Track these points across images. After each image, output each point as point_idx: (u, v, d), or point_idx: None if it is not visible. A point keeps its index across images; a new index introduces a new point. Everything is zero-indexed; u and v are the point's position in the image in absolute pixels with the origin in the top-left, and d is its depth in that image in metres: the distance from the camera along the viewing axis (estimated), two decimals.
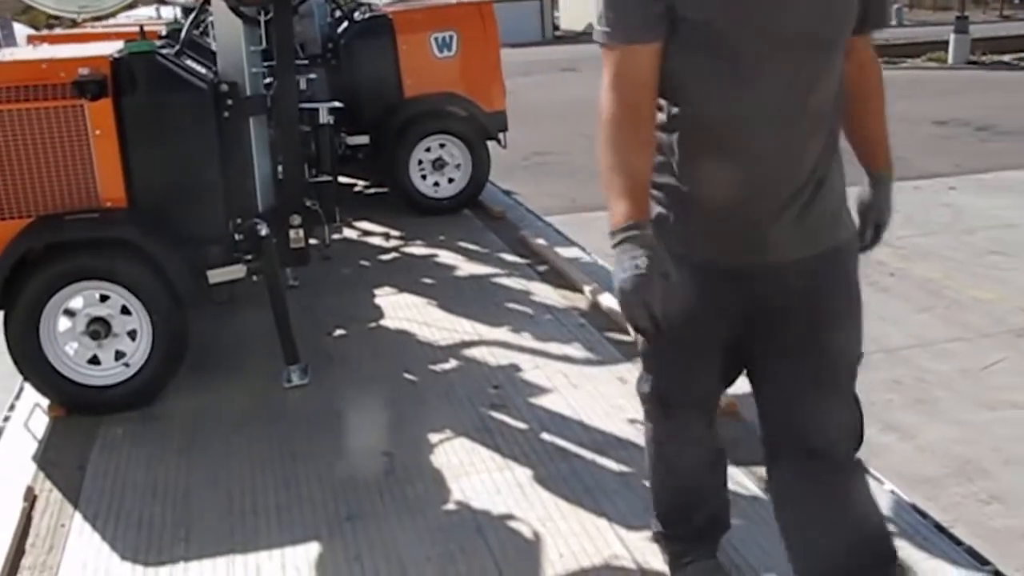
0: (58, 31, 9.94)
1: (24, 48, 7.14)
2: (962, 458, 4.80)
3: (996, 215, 9.56)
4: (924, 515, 3.61)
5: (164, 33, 6.54)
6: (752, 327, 2.60)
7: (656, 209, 2.49)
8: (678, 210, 2.51)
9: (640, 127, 2.34)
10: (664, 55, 2.33)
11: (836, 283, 2.54)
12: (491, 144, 8.98)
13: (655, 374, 2.85)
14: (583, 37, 48.27)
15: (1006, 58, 25.46)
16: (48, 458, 4.57)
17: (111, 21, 9.17)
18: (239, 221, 5.14)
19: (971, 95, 17.54)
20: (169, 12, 11.06)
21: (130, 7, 7.14)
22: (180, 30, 6.01)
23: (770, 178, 2.40)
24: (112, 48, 5.02)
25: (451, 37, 8.74)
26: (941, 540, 3.46)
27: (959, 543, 3.46)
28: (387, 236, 8.41)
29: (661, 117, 2.46)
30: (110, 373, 4.95)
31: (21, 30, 23.72)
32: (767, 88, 2.30)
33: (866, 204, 2.74)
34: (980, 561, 3.36)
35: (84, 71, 4.65)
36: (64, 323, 4.88)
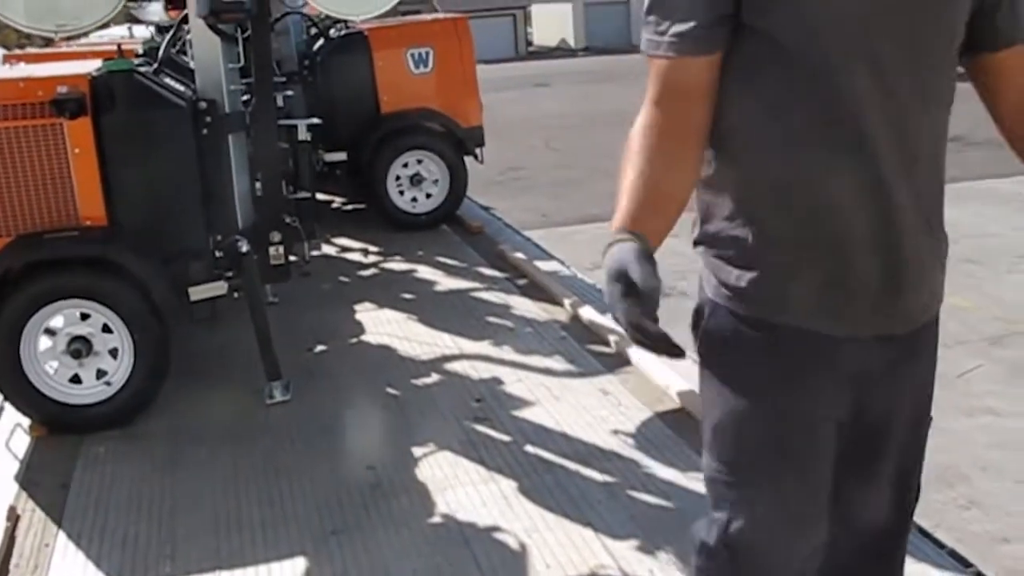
0: (31, 50, 9.91)
1: (1, 67, 7.12)
2: (942, 464, 4.85)
3: (970, 224, 9.66)
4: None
5: (141, 51, 6.53)
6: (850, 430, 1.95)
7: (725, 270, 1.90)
8: (752, 257, 1.87)
9: (687, 141, 1.82)
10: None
11: (929, 370, 2.01)
12: (468, 159, 9.00)
13: (735, 507, 1.93)
14: (556, 53, 48.57)
15: None
16: (30, 478, 4.54)
17: (84, 40, 9.17)
18: (219, 238, 5.15)
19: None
20: (142, 31, 11.09)
21: (103, 26, 7.14)
22: (157, 48, 6.03)
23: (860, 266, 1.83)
24: (90, 66, 5.03)
25: (427, 53, 8.77)
26: (925, 544, 3.50)
27: (942, 546, 3.50)
28: (366, 252, 8.42)
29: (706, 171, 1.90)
30: (92, 392, 4.92)
31: None
32: (879, 145, 1.75)
33: None
34: (963, 564, 3.41)
35: (63, 89, 4.65)
36: (45, 342, 4.85)
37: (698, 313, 1.97)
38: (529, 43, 51.53)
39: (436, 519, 3.96)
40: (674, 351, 1.66)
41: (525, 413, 4.88)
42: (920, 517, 3.90)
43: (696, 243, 1.97)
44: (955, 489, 4.66)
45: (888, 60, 1.72)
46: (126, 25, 11.85)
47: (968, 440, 5.12)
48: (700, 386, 2.01)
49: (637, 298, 1.65)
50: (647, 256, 1.70)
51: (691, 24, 1.74)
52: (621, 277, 1.66)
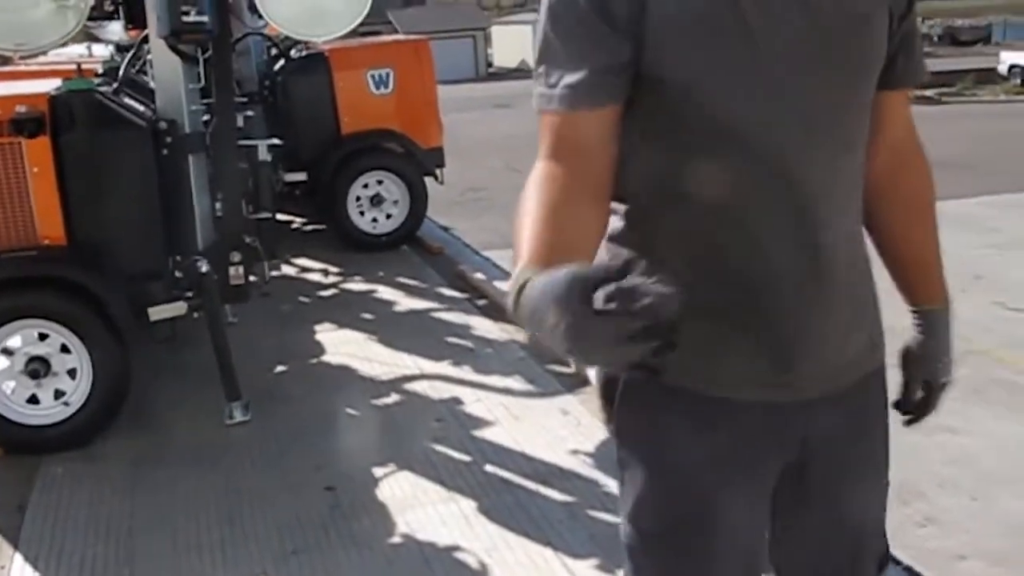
0: None
1: None
2: (898, 482, 4.89)
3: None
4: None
5: (101, 71, 6.51)
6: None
7: None
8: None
9: (584, 195, 1.58)
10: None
11: (866, 425, 1.86)
12: (429, 180, 9.04)
13: None
14: (516, 73, 48.72)
15: (928, 93, 26.18)
16: None
17: (44, 59, 9.12)
18: (179, 258, 5.14)
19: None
20: (100, 50, 11.02)
21: (62, 45, 7.10)
22: (117, 68, 6.01)
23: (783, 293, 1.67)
24: (50, 86, 5.01)
25: (388, 74, 8.81)
26: None
27: (899, 563, 3.56)
28: (326, 272, 8.43)
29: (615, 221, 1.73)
30: (50, 412, 4.89)
31: None
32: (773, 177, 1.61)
33: (914, 353, 1.92)
34: None
35: (21, 109, 4.64)
36: (2, 362, 4.83)
37: (610, 383, 1.79)
38: (489, 64, 51.71)
39: (396, 539, 3.97)
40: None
41: (485, 433, 4.91)
42: None
43: None
44: (911, 506, 4.71)
45: (796, 108, 1.58)
46: (85, 44, 11.76)
47: (924, 457, 5.18)
48: (617, 454, 1.83)
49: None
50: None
51: (582, 74, 1.56)
52: (570, 288, 1.20)
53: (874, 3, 1.63)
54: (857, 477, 1.85)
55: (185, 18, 4.81)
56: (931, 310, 1.91)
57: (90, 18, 5.50)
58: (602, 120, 1.59)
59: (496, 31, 53.59)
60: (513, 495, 4.25)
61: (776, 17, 1.54)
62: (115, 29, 8.36)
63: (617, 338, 1.17)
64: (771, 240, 1.62)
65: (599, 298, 1.16)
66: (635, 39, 1.55)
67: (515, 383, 5.55)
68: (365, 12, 6.00)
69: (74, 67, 5.46)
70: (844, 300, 1.69)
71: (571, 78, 1.57)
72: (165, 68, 5.26)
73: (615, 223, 1.72)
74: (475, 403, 5.29)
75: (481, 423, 5.03)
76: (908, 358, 1.92)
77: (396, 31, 47.18)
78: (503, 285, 7.35)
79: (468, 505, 4.18)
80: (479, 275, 7.75)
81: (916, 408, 1.95)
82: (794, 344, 1.67)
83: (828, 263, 1.64)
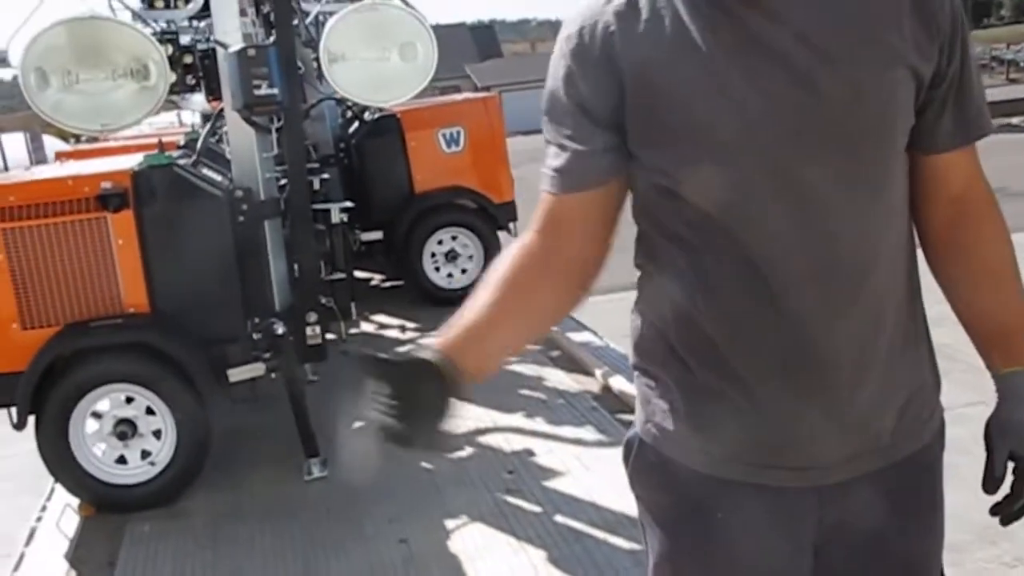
0: (84, 144, 10.29)
1: (52, 165, 7.45)
2: (983, 523, 4.84)
3: None
4: None
5: (182, 143, 6.81)
6: None
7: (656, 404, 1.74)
8: (673, 398, 1.71)
9: (546, 274, 1.68)
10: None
11: (919, 508, 1.76)
12: (502, 233, 9.17)
13: None
14: None
15: (1014, 120, 25.76)
16: (79, 556, 4.74)
17: (133, 131, 9.52)
18: (257, 321, 5.33)
19: (980, 159, 17.57)
20: (189, 117, 11.45)
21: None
22: (196, 140, 6.28)
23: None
24: (132, 161, 5.29)
25: (458, 132, 8.99)
26: None
27: None
28: (403, 328, 8.59)
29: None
30: (137, 472, 5.12)
31: (49, 142, 24.36)
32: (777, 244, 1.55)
33: (997, 423, 1.74)
34: None
35: (107, 185, 4.91)
36: (92, 425, 5.06)
37: (628, 447, 1.82)
38: None
39: None
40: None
41: (556, 483, 4.99)
42: None
43: (632, 368, 1.82)
44: (999, 546, 4.64)
45: (789, 193, 1.53)
46: (175, 112, 12.21)
47: None
48: (639, 516, 1.85)
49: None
50: (441, 380, 1.62)
51: (567, 158, 1.62)
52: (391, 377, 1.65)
53: (881, 69, 1.52)
54: (899, 569, 1.75)
55: (257, 91, 5.01)
56: (1013, 373, 1.72)
57: (173, 92, 5.74)
58: (585, 202, 1.65)
59: None
60: (582, 544, 4.32)
61: (761, 94, 1.50)
62: (198, 100, 8.69)
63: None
64: (760, 324, 1.58)
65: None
66: (617, 128, 1.59)
67: (587, 433, 5.63)
68: (429, 78, 6.20)
69: (156, 141, 5.74)
70: (859, 383, 1.60)
71: (558, 162, 1.64)
72: (240, 139, 5.50)
73: (640, 287, 1.77)
74: (547, 454, 5.38)
75: (552, 473, 5.11)
76: (991, 429, 1.74)
77: (475, 84, 47.87)
78: (576, 336, 7.47)
79: (537, 555, 4.26)
80: (552, 327, 7.84)
81: (1012, 490, 1.73)
82: (788, 430, 1.62)
83: (828, 347, 1.57)
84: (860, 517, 1.68)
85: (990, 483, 1.73)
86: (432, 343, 1.65)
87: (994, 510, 1.76)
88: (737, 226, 1.54)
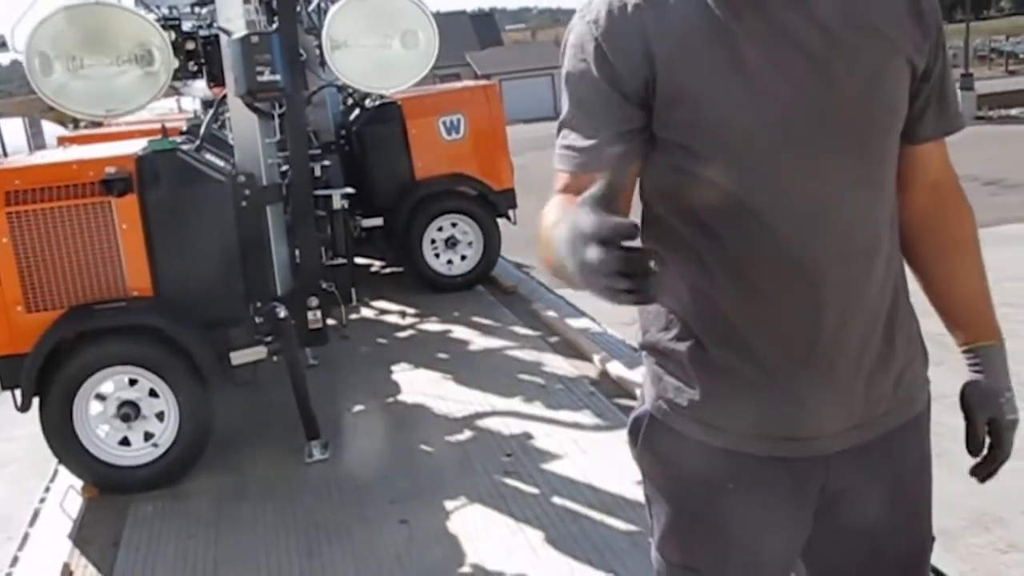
0: (85, 130, 10.31)
1: (55, 150, 7.49)
2: (979, 509, 4.89)
3: (1006, 268, 9.62)
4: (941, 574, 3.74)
5: (185, 128, 6.85)
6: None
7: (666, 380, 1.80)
8: (689, 374, 1.76)
9: None
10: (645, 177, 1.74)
11: (898, 477, 1.84)
12: (502, 221, 9.27)
13: None
14: None
15: (1013, 111, 25.80)
16: (83, 536, 4.80)
17: (134, 116, 9.56)
18: (259, 305, 5.40)
19: (979, 150, 17.46)
20: (188, 103, 11.48)
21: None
22: (199, 125, 6.33)
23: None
24: (136, 146, 5.33)
25: (458, 120, 9.06)
26: None
27: None
28: (403, 314, 8.67)
29: None
30: (140, 453, 5.18)
31: (48, 127, 24.31)
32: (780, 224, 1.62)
33: (973, 394, 1.86)
34: None
35: (111, 170, 4.96)
36: (96, 407, 5.12)
37: (636, 423, 1.86)
38: None
39: (466, 569, 4.14)
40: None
41: (553, 466, 5.06)
42: (957, 562, 4.00)
43: (641, 347, 1.87)
44: (992, 533, 4.69)
45: (804, 173, 1.61)
46: (175, 98, 12.23)
47: (1006, 484, 5.15)
48: (643, 490, 1.91)
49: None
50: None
51: (595, 140, 1.64)
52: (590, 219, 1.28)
53: (886, 59, 1.63)
54: (891, 531, 1.83)
55: (260, 78, 5.07)
56: (984, 346, 1.87)
57: (175, 78, 5.79)
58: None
59: None
60: (579, 525, 4.39)
61: (783, 78, 1.58)
62: (200, 86, 8.73)
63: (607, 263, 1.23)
64: (777, 303, 1.66)
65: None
66: (646, 107, 1.63)
67: (584, 417, 5.69)
68: (431, 65, 6.24)
69: (159, 127, 5.79)
70: (862, 360, 1.70)
71: (584, 143, 1.66)
72: (243, 124, 5.55)
73: None
74: (545, 437, 5.44)
75: (550, 456, 5.18)
76: (967, 400, 1.86)
77: (475, 72, 47.83)
78: (575, 322, 7.54)
79: (535, 535, 4.33)
80: (551, 313, 7.92)
81: (988, 453, 1.85)
82: (800, 404, 1.69)
83: (840, 326, 1.65)
84: (860, 482, 1.78)
85: (974, 446, 1.85)
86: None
87: (974, 471, 1.88)
88: (758, 207, 1.61)
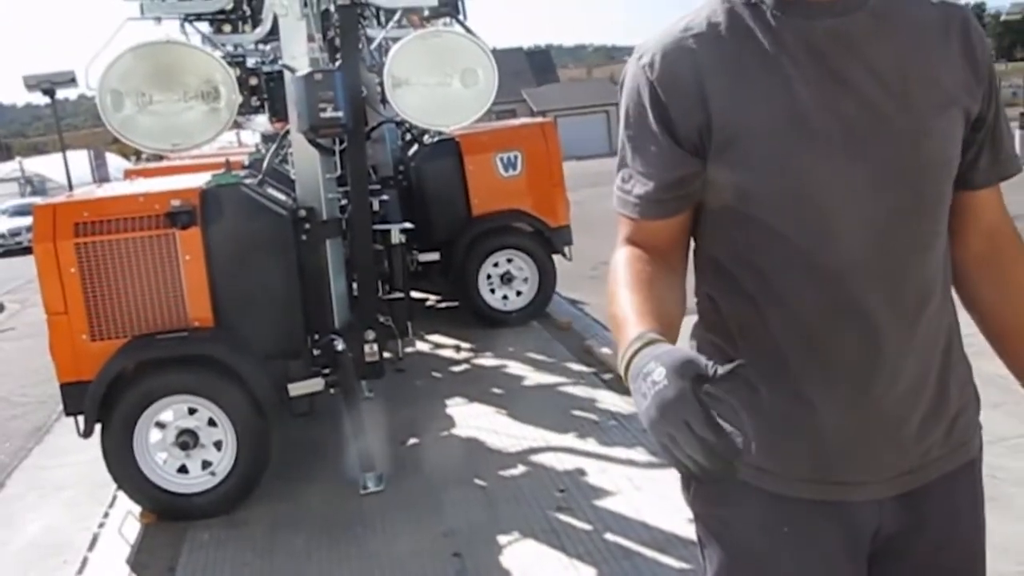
0: (149, 163, 10.53)
1: (122, 182, 7.66)
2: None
3: None
4: None
5: (247, 163, 6.98)
6: None
7: None
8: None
9: (660, 274, 1.69)
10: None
11: (949, 524, 1.80)
12: (557, 257, 9.30)
13: None
14: None
15: None
16: (140, 561, 4.89)
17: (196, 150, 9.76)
18: (317, 337, 5.47)
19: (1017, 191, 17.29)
20: (248, 136, 11.68)
21: None
22: (262, 160, 6.45)
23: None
24: (200, 180, 5.45)
25: (516, 157, 9.14)
26: None
27: None
28: (458, 348, 8.72)
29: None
30: (197, 481, 5.27)
31: (111, 159, 24.82)
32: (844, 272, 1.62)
33: None
34: None
35: (176, 203, 5.07)
36: (156, 435, 5.22)
37: None
38: None
39: None
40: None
41: (606, 502, 5.05)
42: None
43: None
44: None
45: (856, 215, 1.60)
46: (234, 131, 12.46)
47: None
48: (695, 531, 1.88)
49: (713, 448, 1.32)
50: (679, 357, 1.39)
51: (651, 187, 1.68)
52: (686, 429, 1.31)
53: (941, 109, 1.62)
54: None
55: (322, 114, 5.18)
56: None
57: (239, 112, 5.91)
58: (671, 226, 1.72)
59: None
60: (631, 562, 4.38)
61: (837, 122, 1.58)
62: (261, 120, 8.89)
63: (687, 427, 1.30)
64: (829, 347, 1.64)
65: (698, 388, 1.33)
66: (700, 154, 1.64)
67: (638, 455, 5.68)
68: (490, 103, 6.30)
69: (222, 160, 5.91)
70: (915, 406, 1.68)
71: (642, 189, 1.69)
72: (304, 160, 5.66)
73: (701, 306, 1.82)
74: (598, 474, 5.44)
75: (603, 493, 5.18)
76: None
77: (530, 108, 48.09)
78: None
79: (588, 571, 4.33)
80: (605, 350, 7.92)
81: None
82: (852, 448, 1.68)
83: (892, 371, 1.65)
84: (913, 528, 1.75)
85: None
86: (639, 333, 1.51)
87: None
88: (809, 250, 1.61)
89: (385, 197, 7.29)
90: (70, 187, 21.87)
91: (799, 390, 1.67)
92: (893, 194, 1.60)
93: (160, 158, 9.78)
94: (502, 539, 4.73)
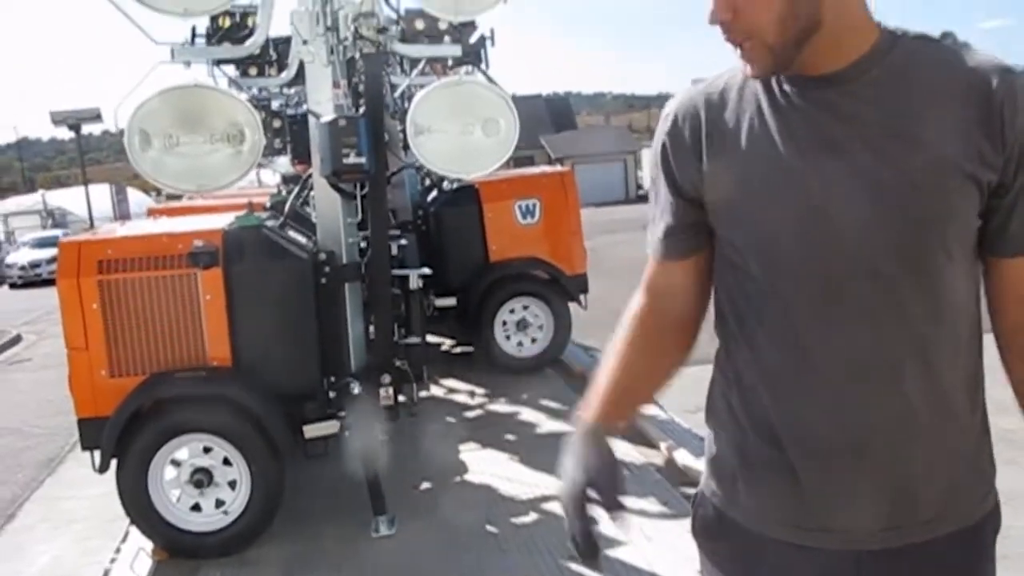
0: (172, 201, 10.63)
1: (146, 221, 7.74)
2: None
3: None
4: None
5: (269, 204, 7.05)
6: None
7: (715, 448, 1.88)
8: (720, 457, 1.86)
9: (663, 333, 1.89)
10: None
11: None
12: (573, 305, 9.33)
13: None
14: None
15: None
16: None
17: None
18: (333, 379, 5.50)
19: None
20: (268, 176, 11.77)
21: None
22: (283, 202, 6.51)
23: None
24: (222, 221, 5.52)
25: (534, 205, 9.20)
26: None
27: None
28: (472, 394, 8.74)
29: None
30: (210, 520, 5.29)
31: (133, 195, 25.04)
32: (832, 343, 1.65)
33: None
34: None
35: (199, 243, 5.13)
36: (170, 472, 5.24)
37: (694, 498, 1.95)
38: (639, 186, 52.08)
39: None
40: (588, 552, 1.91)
41: (618, 552, 5.03)
42: None
43: (706, 419, 1.93)
44: None
45: (844, 267, 1.62)
46: (254, 172, 12.57)
47: None
48: (700, 565, 1.96)
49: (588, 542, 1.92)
50: (595, 441, 1.92)
51: (664, 229, 1.82)
52: (577, 520, 1.89)
53: (932, 173, 1.57)
54: None
55: (345, 160, 5.23)
56: None
57: (262, 154, 5.99)
58: (686, 269, 1.84)
59: (647, 154, 54.13)
60: None
61: (828, 194, 1.59)
62: (282, 161, 9.00)
63: (567, 513, 1.84)
64: (812, 402, 1.66)
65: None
66: (699, 204, 1.76)
67: (650, 505, 5.67)
68: (510, 152, 6.37)
69: (243, 199, 5.98)
70: (901, 468, 1.67)
71: (658, 231, 1.85)
72: (326, 203, 5.72)
73: (716, 353, 1.86)
74: (610, 523, 5.41)
75: (614, 542, 5.14)
76: None
77: (548, 155, 48.28)
78: (642, 408, 7.51)
79: None
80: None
81: None
82: (833, 498, 1.69)
83: (876, 432, 1.64)
84: None
85: None
86: (588, 416, 1.96)
87: None
88: (794, 306, 1.66)
89: (404, 241, 7.35)
90: (91, 223, 22.05)
91: (780, 438, 1.71)
92: (881, 257, 1.60)
93: (178, 197, 9.87)
94: None
